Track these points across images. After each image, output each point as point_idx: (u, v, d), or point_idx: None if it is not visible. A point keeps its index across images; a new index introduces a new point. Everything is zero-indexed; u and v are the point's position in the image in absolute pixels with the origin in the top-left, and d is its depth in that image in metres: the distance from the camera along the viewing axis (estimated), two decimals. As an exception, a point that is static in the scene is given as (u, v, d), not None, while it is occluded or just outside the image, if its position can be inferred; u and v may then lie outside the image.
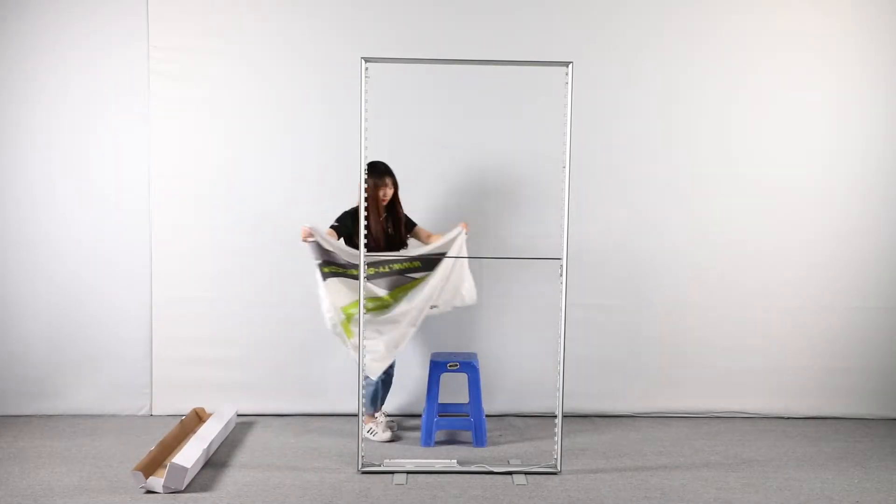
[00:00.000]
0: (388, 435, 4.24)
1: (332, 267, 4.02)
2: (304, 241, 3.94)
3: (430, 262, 4.13)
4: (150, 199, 4.59)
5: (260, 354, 4.68)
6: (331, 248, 3.98)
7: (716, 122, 4.67)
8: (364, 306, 3.79)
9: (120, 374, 4.65)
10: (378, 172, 4.14)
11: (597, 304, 4.70)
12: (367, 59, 3.60)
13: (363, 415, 3.91)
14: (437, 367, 4.19)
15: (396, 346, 4.13)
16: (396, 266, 4.13)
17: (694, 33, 4.63)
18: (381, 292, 4.14)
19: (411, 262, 4.13)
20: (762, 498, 3.53)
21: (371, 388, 4.25)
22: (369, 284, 4.07)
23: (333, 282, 4.02)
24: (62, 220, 4.60)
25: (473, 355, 4.34)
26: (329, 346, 4.65)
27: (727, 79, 4.65)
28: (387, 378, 4.31)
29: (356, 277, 3.87)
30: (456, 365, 4.19)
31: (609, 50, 4.62)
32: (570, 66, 3.62)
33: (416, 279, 4.15)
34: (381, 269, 4.13)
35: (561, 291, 3.72)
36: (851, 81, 4.66)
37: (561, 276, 3.72)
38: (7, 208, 4.59)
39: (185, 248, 4.62)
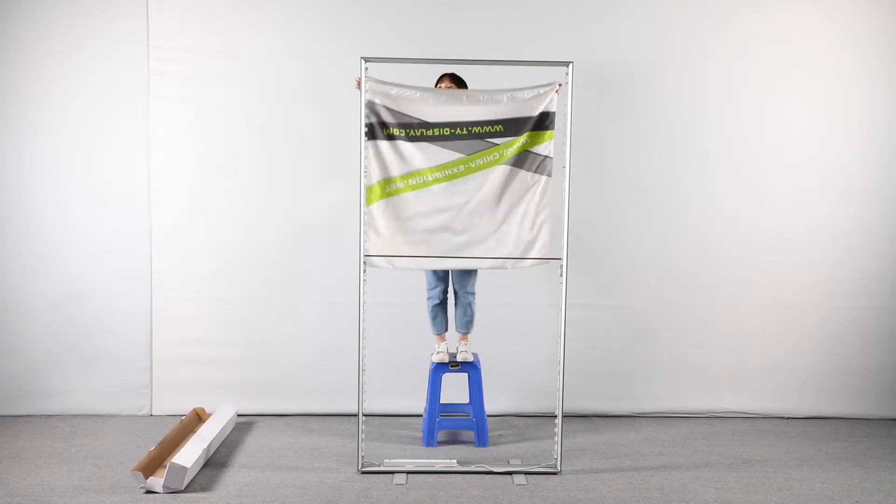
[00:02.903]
0: (440, 357, 4.21)
1: (387, 129, 3.60)
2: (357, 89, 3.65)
3: (514, 126, 3.61)
4: (150, 199, 4.59)
5: (260, 354, 4.67)
6: (388, 98, 3.54)
7: (717, 122, 4.67)
8: (421, 179, 3.50)
9: (120, 374, 4.65)
10: (444, 74, 4.11)
11: (597, 304, 4.70)
12: (367, 59, 3.60)
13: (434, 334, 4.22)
14: (439, 367, 4.19)
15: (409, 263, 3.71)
16: (475, 129, 3.61)
17: (694, 32, 4.63)
18: (453, 155, 3.59)
19: (493, 126, 3.60)
20: (762, 498, 3.53)
21: (429, 312, 4.25)
22: (432, 146, 3.61)
23: (383, 144, 3.61)
24: (62, 220, 4.59)
25: (475, 355, 4.34)
26: (329, 346, 4.65)
27: (728, 78, 4.64)
28: (441, 302, 4.25)
29: (414, 140, 3.58)
30: (458, 365, 4.19)
31: (609, 50, 4.61)
32: (570, 66, 3.62)
33: (499, 144, 3.61)
34: (458, 132, 3.60)
35: (561, 291, 3.73)
36: (852, 81, 4.65)
37: (561, 276, 3.72)
38: (7, 208, 4.59)
39: (184, 248, 4.61)
